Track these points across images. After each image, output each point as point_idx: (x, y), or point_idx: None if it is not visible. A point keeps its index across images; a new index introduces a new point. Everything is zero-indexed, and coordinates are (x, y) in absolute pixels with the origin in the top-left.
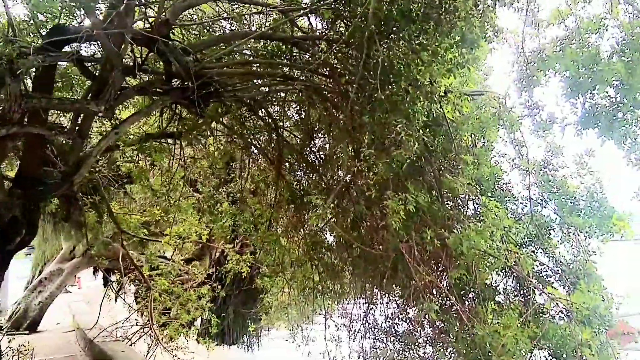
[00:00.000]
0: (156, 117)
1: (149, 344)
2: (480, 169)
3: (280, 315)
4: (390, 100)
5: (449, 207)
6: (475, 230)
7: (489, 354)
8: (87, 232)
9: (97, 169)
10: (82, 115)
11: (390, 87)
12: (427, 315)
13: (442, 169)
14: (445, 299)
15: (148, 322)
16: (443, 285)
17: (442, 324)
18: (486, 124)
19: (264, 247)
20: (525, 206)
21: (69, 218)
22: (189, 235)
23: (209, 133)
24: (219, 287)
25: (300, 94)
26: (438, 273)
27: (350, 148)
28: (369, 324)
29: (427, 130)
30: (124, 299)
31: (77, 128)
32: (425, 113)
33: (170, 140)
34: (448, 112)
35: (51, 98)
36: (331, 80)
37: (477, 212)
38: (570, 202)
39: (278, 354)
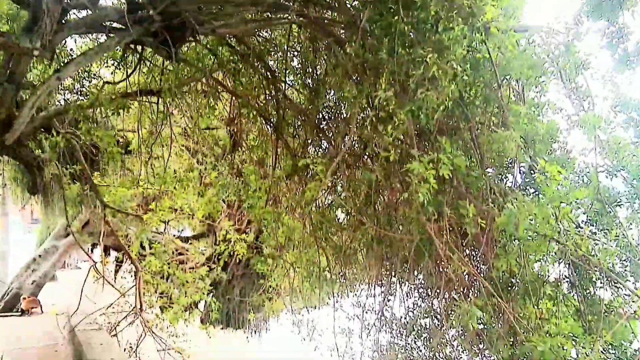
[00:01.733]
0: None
1: (138, 332)
2: (533, 124)
3: (284, 303)
4: (416, 27)
5: (492, 175)
6: (536, 205)
7: None
8: (66, 206)
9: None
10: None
11: (416, 11)
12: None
13: (483, 124)
14: (482, 292)
15: (135, 308)
16: (481, 276)
17: (480, 324)
18: (540, 66)
19: (264, 226)
20: (586, 175)
21: (35, 190)
22: (184, 211)
23: (198, 89)
24: (221, 269)
25: (298, 30)
26: (476, 262)
27: (361, 94)
28: (385, 317)
29: (468, 67)
30: (113, 282)
31: (7, 72)
32: (465, 45)
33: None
34: (492, 49)
35: None
36: (336, 8)
37: (530, 182)
38: None
39: (284, 341)
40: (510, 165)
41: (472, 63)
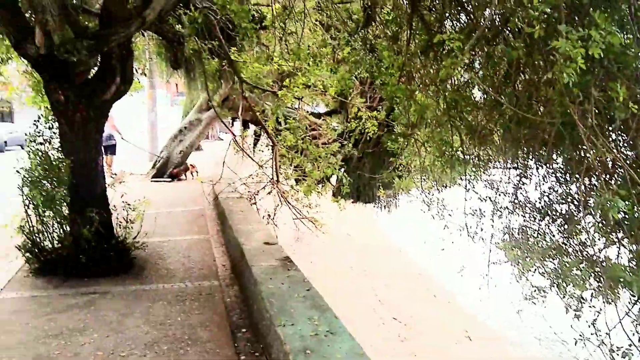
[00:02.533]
0: None
1: (275, 202)
2: None
3: (414, 181)
4: None
5: None
6: None
7: None
8: (206, 81)
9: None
10: None
11: None
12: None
13: None
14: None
15: (272, 180)
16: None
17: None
18: None
19: (396, 104)
20: None
21: (178, 65)
22: (317, 88)
23: None
24: (352, 145)
25: None
26: (623, 148)
27: None
28: (519, 200)
29: None
30: (252, 154)
31: None
32: None
33: None
34: None
35: None
36: None
37: None
38: None
39: (413, 218)
40: None
41: None
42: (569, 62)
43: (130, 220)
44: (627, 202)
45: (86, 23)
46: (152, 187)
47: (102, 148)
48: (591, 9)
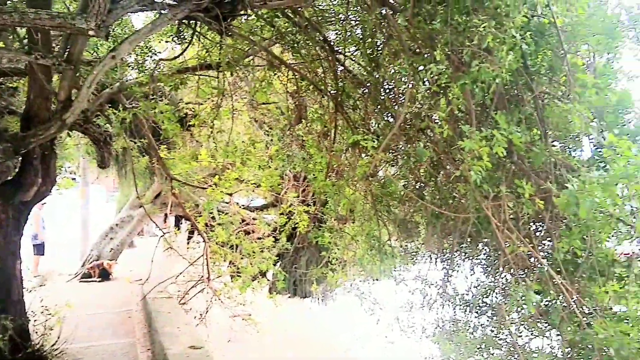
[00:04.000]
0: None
1: (207, 301)
2: (602, 94)
3: (347, 274)
4: None
5: (557, 150)
6: (599, 182)
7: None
8: (135, 179)
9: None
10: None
11: None
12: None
13: (547, 95)
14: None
15: (203, 277)
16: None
17: (541, 306)
18: (614, 30)
19: (328, 198)
20: None
21: (105, 164)
22: (249, 183)
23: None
24: (287, 239)
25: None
26: (538, 240)
27: (415, 66)
28: (447, 293)
29: (528, 35)
30: (186, 251)
31: (65, 53)
32: (525, 10)
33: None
34: (557, 13)
35: (25, 12)
36: None
37: (597, 158)
38: None
39: (350, 311)
40: (577, 139)
41: (537, 29)
42: (476, 160)
43: (49, 326)
44: (544, 295)
45: (7, 125)
46: (81, 288)
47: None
48: (497, 109)
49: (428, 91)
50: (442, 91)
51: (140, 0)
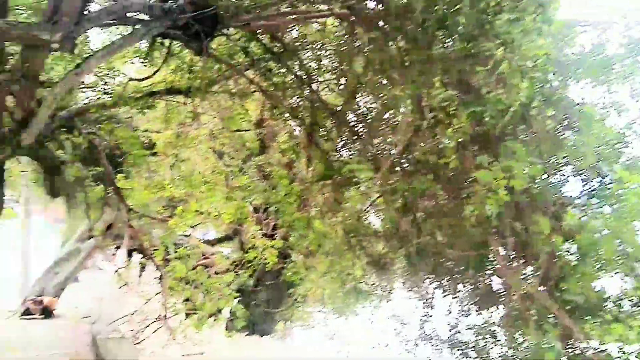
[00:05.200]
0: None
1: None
2: (605, 128)
3: (313, 312)
4: (480, 18)
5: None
6: (615, 216)
7: None
8: (88, 209)
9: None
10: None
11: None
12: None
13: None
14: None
15: (159, 316)
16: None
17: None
18: (608, 65)
19: (294, 231)
20: None
21: (56, 193)
22: (210, 215)
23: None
24: (249, 275)
25: (336, 25)
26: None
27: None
28: (425, 332)
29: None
30: (137, 286)
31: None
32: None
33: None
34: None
35: None
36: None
37: (599, 191)
38: None
39: (313, 349)
40: (581, 174)
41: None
42: (492, 194)
43: None
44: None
45: None
46: (20, 326)
47: None
48: (500, 140)
49: (429, 120)
50: (447, 118)
51: (110, 12)
